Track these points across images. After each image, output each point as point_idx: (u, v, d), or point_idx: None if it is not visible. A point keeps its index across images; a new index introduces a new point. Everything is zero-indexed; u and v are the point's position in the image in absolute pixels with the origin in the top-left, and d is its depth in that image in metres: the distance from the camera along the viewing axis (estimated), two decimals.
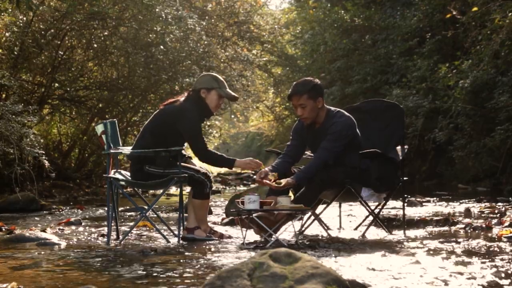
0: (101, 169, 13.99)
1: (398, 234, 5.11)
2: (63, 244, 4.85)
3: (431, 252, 4.08)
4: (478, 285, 3.03)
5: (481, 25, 12.36)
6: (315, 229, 5.38)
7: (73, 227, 6.00)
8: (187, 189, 5.57)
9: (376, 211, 5.18)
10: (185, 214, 5.22)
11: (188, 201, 5.05)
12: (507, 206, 7.21)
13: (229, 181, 17.61)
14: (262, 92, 23.99)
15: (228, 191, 13.55)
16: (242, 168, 5.23)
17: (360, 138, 4.97)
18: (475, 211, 6.75)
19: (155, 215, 5.69)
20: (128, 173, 5.11)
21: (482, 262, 3.64)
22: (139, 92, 13.74)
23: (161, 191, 5.10)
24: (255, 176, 4.97)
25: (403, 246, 4.44)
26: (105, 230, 5.35)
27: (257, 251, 3.78)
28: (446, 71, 12.90)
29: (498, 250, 4.13)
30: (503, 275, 3.25)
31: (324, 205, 5.38)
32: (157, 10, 11.73)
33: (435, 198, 9.03)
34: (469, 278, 3.17)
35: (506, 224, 5.34)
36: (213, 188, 5.47)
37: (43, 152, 8.58)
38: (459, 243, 4.47)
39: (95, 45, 13.18)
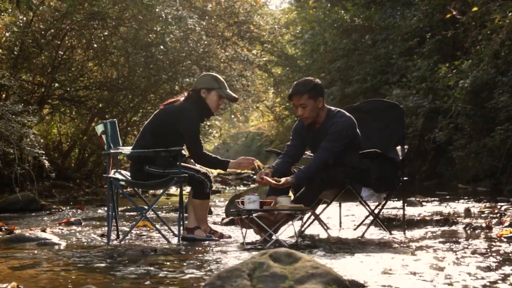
0: (101, 169, 13.99)
1: (398, 234, 5.11)
2: (63, 244, 4.85)
3: (431, 252, 4.08)
4: (478, 285, 3.03)
5: (481, 25, 12.36)
6: (315, 229, 5.38)
7: (73, 227, 6.00)
8: (187, 189, 5.57)
9: (376, 211, 5.18)
10: (185, 214, 5.22)
11: (188, 201, 5.05)
12: (507, 206, 7.21)
13: (229, 181, 17.61)
14: (262, 92, 23.97)
15: (228, 191, 13.55)
16: (236, 169, 5.23)
17: (360, 138, 4.97)
18: (475, 211, 6.75)
19: (155, 215, 5.70)
20: (128, 173, 5.11)
21: (482, 262, 3.64)
22: (139, 92, 13.74)
23: (161, 191, 5.10)
24: (255, 176, 4.97)
25: (403, 246, 4.44)
26: (105, 230, 5.34)
27: (257, 251, 3.78)
28: (446, 71, 12.90)
29: (498, 250, 4.13)
30: (503, 275, 3.26)
31: (324, 205, 5.38)
32: (157, 10, 11.72)
33: (435, 198, 9.03)
34: (469, 278, 3.17)
35: (506, 224, 5.34)
36: (213, 188, 5.46)
37: (43, 152, 8.58)
38: (459, 243, 4.48)
39: (95, 45, 13.18)
